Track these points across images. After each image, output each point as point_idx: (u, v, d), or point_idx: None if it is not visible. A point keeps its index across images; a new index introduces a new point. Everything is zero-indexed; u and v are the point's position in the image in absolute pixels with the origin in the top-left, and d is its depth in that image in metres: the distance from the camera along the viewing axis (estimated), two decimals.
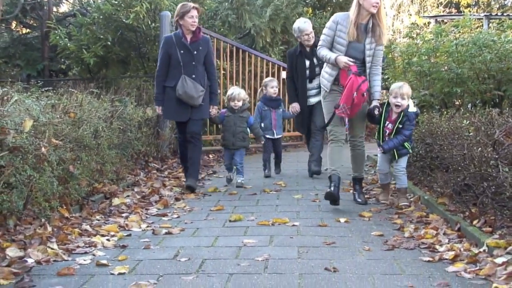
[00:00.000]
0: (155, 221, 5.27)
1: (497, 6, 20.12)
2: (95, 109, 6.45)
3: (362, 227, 4.90)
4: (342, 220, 5.13)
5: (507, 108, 6.48)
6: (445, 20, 14.92)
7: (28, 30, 16.58)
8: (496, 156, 4.33)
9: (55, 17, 14.26)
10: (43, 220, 4.53)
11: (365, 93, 5.50)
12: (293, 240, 4.47)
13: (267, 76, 10.06)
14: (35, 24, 16.03)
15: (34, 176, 4.37)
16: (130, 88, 10.95)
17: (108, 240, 4.50)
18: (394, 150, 5.68)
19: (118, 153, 6.70)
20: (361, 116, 5.78)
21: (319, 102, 6.45)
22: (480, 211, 4.49)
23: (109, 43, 10.96)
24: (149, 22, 10.65)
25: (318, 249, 4.18)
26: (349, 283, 3.41)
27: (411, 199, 5.85)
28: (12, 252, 3.86)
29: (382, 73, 8.52)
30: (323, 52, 5.71)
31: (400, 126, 5.62)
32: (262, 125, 7.57)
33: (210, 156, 9.73)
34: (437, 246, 4.18)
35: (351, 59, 5.50)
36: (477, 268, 3.61)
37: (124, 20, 10.63)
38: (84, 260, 3.93)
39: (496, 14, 15.70)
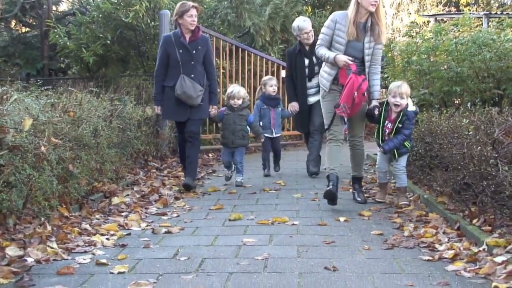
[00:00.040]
0: (155, 220, 5.26)
1: (497, 4, 20.12)
2: (94, 108, 6.44)
3: (362, 226, 4.90)
4: (342, 219, 5.13)
5: (507, 107, 6.49)
6: (445, 19, 14.92)
7: (27, 29, 16.58)
8: (496, 155, 4.33)
9: (54, 16, 14.24)
10: (42, 219, 4.53)
11: (365, 93, 5.50)
12: (293, 239, 4.47)
13: (266, 75, 10.04)
14: (34, 23, 16.03)
15: (33, 175, 4.37)
16: (130, 87, 10.94)
17: (107, 239, 4.50)
18: (394, 149, 5.68)
19: (118, 152, 6.69)
20: (360, 116, 5.77)
21: (318, 101, 6.43)
22: (479, 210, 4.49)
23: (108, 42, 10.95)
24: (149, 21, 10.65)
25: (317, 248, 4.18)
26: (349, 282, 3.42)
27: (411, 198, 5.86)
28: (12, 251, 3.86)
29: (382, 72, 8.54)
30: (321, 51, 5.68)
31: (400, 125, 5.61)
32: (261, 123, 7.55)
33: (210, 155, 9.72)
34: (436, 245, 4.18)
35: (350, 58, 5.49)
36: (477, 267, 3.61)
37: (123, 19, 10.62)
38: (84, 259, 3.93)
39: (496, 13, 15.68)
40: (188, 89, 6.53)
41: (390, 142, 5.67)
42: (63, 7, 17.14)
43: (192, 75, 6.59)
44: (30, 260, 3.79)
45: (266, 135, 7.53)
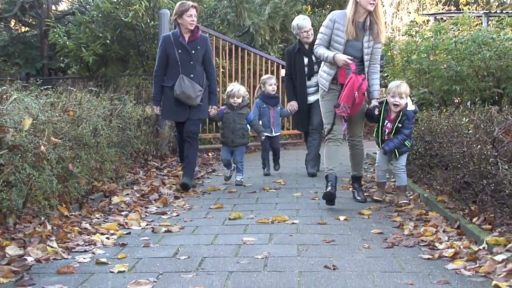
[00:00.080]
0: (155, 219, 5.26)
1: (496, 3, 20.11)
2: (94, 107, 6.44)
3: (362, 225, 4.90)
4: (342, 218, 5.13)
5: (506, 106, 6.49)
6: (444, 18, 14.91)
7: (27, 28, 16.58)
8: (496, 154, 4.34)
9: (54, 16, 14.26)
10: (42, 218, 4.53)
11: (365, 92, 5.50)
12: (293, 238, 4.47)
13: (266, 74, 10.04)
14: (34, 23, 16.03)
15: (33, 174, 4.37)
16: (129, 86, 10.95)
17: (107, 238, 4.50)
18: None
19: (118, 151, 6.69)
20: (360, 115, 5.76)
21: (317, 100, 6.42)
22: (479, 209, 4.49)
23: (108, 41, 10.94)
24: (148, 20, 10.64)
25: (317, 247, 4.18)
26: (349, 281, 3.42)
27: (411, 197, 5.86)
28: (12, 250, 3.86)
29: (381, 71, 8.54)
30: (320, 50, 5.66)
31: (400, 125, 5.61)
32: (260, 122, 7.54)
33: (210, 154, 9.72)
34: (436, 244, 4.19)
35: (350, 57, 5.48)
36: (477, 265, 3.61)
37: (123, 18, 10.61)
38: (84, 258, 3.93)
39: (495, 12, 15.68)
40: (187, 89, 6.51)
41: (390, 142, 5.66)
42: (63, 6, 17.16)
43: (192, 75, 6.58)
44: (30, 259, 3.80)
45: (266, 134, 7.52)
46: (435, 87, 7.45)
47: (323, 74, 5.76)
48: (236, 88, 7.06)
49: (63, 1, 16.78)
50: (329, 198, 5.50)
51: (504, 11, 15.70)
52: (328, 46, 5.65)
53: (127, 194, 6.13)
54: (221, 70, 10.30)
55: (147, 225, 5.04)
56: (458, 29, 8.60)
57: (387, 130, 5.68)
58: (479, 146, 4.58)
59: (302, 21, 7.44)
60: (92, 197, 5.64)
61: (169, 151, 8.88)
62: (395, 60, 8.57)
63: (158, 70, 6.74)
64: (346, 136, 5.91)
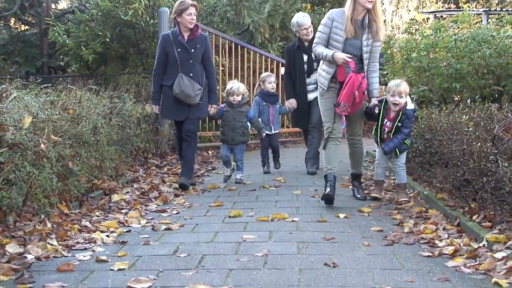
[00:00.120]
0: (155, 217, 5.27)
1: (496, 1, 20.08)
2: (94, 105, 6.44)
3: (362, 223, 4.90)
4: (342, 215, 5.13)
5: (506, 103, 6.49)
6: (444, 16, 14.91)
7: (26, 27, 16.59)
8: (496, 151, 4.34)
9: (53, 14, 14.28)
10: (42, 216, 4.53)
11: (365, 91, 5.49)
12: (293, 235, 4.47)
13: (266, 72, 10.04)
14: (33, 21, 16.04)
15: (33, 172, 4.37)
16: (129, 84, 10.96)
17: (107, 236, 4.50)
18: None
19: (117, 149, 6.69)
20: (359, 114, 5.75)
21: (317, 98, 6.41)
22: (479, 206, 4.49)
23: (107, 39, 10.94)
24: (148, 19, 10.64)
25: (317, 245, 4.18)
26: (349, 278, 3.42)
27: (411, 195, 5.86)
28: (12, 248, 3.87)
29: (381, 69, 8.53)
30: (319, 49, 5.62)
31: (400, 124, 5.60)
32: (260, 120, 7.52)
33: (209, 152, 9.72)
34: (436, 241, 4.19)
35: (349, 56, 5.46)
36: (477, 263, 3.61)
37: (122, 17, 10.62)
38: (84, 256, 3.93)
39: (495, 10, 15.67)
40: (186, 88, 6.49)
41: (390, 143, 5.65)
42: (62, 5, 17.17)
43: (191, 74, 6.55)
44: (30, 257, 3.80)
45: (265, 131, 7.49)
46: (435, 85, 7.44)
47: (322, 73, 5.73)
48: (236, 85, 7.04)
49: (62, 0, 16.77)
50: (328, 200, 5.51)
51: (504, 9, 15.68)
52: (327, 45, 5.62)
53: (127, 192, 6.13)
54: (221, 68, 10.30)
55: (147, 223, 5.04)
56: (458, 27, 8.59)
57: (386, 129, 5.67)
58: (479, 144, 4.58)
59: (301, 19, 7.43)
60: (92, 195, 5.65)
61: (169, 149, 8.88)
62: (395, 58, 8.57)
63: (157, 69, 6.72)
64: (346, 135, 5.90)
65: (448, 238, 4.22)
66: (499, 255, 3.57)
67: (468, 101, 7.59)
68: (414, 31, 8.82)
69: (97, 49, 10.85)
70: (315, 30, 7.29)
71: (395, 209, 5.39)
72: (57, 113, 5.33)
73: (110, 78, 11.53)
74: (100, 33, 10.93)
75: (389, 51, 8.65)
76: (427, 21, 15.61)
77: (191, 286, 3.27)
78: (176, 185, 6.68)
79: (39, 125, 4.75)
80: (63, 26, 11.90)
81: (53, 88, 6.97)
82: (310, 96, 7.43)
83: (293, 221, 4.96)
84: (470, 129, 5.04)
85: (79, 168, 5.34)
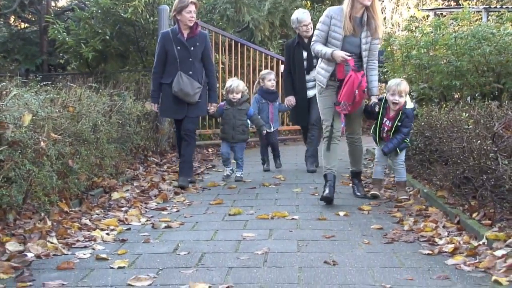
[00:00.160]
0: (155, 215, 5.26)
1: None
2: (94, 103, 6.44)
3: (362, 221, 4.91)
4: (342, 213, 5.13)
5: (506, 101, 6.47)
6: (444, 13, 14.88)
7: (26, 24, 16.59)
8: (496, 149, 4.33)
9: (53, 12, 14.26)
10: (42, 214, 4.53)
11: (365, 90, 5.47)
12: (293, 233, 4.47)
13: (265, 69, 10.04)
14: (33, 19, 16.05)
15: (33, 170, 4.37)
16: (129, 82, 10.96)
17: (107, 234, 4.50)
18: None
19: (117, 147, 6.68)
20: (358, 113, 5.73)
21: (316, 96, 6.39)
22: (479, 204, 4.49)
23: (107, 37, 10.94)
24: (148, 16, 10.64)
25: (317, 243, 4.18)
26: (349, 276, 3.42)
27: (411, 192, 5.86)
28: (12, 246, 3.87)
29: (381, 67, 8.52)
30: (318, 47, 5.58)
31: (399, 124, 5.59)
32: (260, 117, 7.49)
33: (209, 150, 9.72)
34: (436, 239, 4.18)
35: (348, 54, 5.43)
36: (477, 260, 3.62)
37: (122, 14, 10.62)
38: (84, 254, 3.93)
39: (495, 7, 15.65)
40: (185, 87, 6.47)
41: (389, 143, 5.65)
42: (62, 2, 17.16)
43: (190, 72, 6.52)
44: (30, 255, 3.80)
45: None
46: (435, 82, 7.44)
47: (321, 71, 5.70)
48: (235, 83, 7.00)
49: None
50: (327, 201, 5.50)
51: (504, 6, 15.67)
52: (325, 43, 5.59)
53: (127, 190, 6.13)
54: (221, 66, 10.30)
55: (147, 221, 5.04)
56: (458, 24, 8.59)
57: (386, 128, 5.66)
58: (479, 141, 4.58)
59: (301, 15, 7.41)
60: (92, 193, 5.65)
61: (168, 147, 8.88)
62: (395, 55, 8.56)
63: (156, 66, 6.69)
64: (345, 134, 5.88)
65: (448, 236, 4.22)
66: (499, 253, 3.58)
67: (468, 98, 7.59)
68: (414, 28, 8.80)
69: (97, 47, 10.85)
70: (314, 27, 7.30)
71: (395, 207, 5.39)
72: (57, 111, 5.33)
73: (110, 75, 11.54)
74: (100, 31, 10.93)
75: (389, 49, 8.65)
76: (427, 19, 15.58)
77: (191, 284, 3.27)
78: (176, 183, 6.67)
79: (39, 123, 4.75)
80: (63, 23, 11.89)
81: (53, 86, 6.96)
82: (310, 93, 7.41)
83: (293, 219, 4.96)
84: (470, 126, 5.04)
85: (79, 166, 5.34)
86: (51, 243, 4.05)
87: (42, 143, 4.47)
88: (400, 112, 5.56)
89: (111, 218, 5.01)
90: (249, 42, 11.19)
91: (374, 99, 5.67)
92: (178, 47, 6.52)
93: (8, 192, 4.15)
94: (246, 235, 4.39)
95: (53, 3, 15.90)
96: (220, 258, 3.81)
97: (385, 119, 5.65)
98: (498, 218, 4.22)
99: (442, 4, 19.04)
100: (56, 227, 4.42)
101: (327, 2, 14.61)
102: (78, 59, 12.02)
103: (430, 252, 3.91)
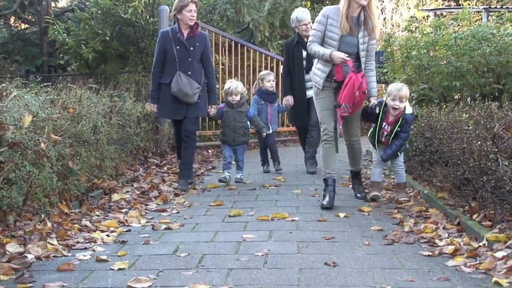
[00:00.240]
0: (155, 217, 5.26)
1: None
2: (94, 104, 6.43)
3: (362, 222, 4.90)
4: (342, 215, 5.13)
5: (507, 102, 6.47)
6: (444, 13, 14.88)
7: (26, 25, 16.59)
8: (496, 150, 4.33)
9: (53, 13, 14.28)
10: (42, 216, 4.53)
11: (366, 91, 5.45)
12: (293, 235, 4.47)
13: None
14: (33, 20, 16.05)
15: (33, 172, 4.36)
16: (129, 83, 10.97)
17: (107, 235, 4.50)
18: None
19: (117, 148, 6.68)
20: (356, 116, 5.68)
21: None
22: (479, 205, 4.49)
23: (107, 38, 10.94)
24: (148, 17, 10.65)
25: (317, 244, 4.18)
26: (349, 278, 3.42)
27: (411, 194, 5.86)
28: (12, 247, 3.86)
29: (381, 67, 8.50)
30: (315, 48, 5.50)
31: (399, 129, 5.58)
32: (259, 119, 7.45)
33: (209, 151, 9.71)
34: (436, 241, 4.19)
35: (346, 55, 5.37)
36: (477, 262, 3.61)
37: (122, 15, 10.62)
38: (84, 255, 3.93)
39: (495, 7, 15.65)
40: (184, 87, 6.44)
41: (388, 150, 5.64)
42: (62, 3, 17.17)
43: (189, 72, 6.49)
44: (30, 256, 3.80)
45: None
46: (435, 83, 7.43)
47: (317, 72, 5.62)
48: (234, 85, 6.94)
49: None
50: (327, 209, 5.45)
51: (504, 6, 15.67)
52: (322, 43, 5.52)
53: (127, 192, 6.14)
54: (221, 66, 10.29)
55: (147, 222, 5.04)
56: (458, 25, 8.58)
57: (385, 133, 5.64)
58: (479, 142, 4.58)
59: (301, 14, 7.40)
60: (92, 195, 5.65)
61: (168, 148, 8.87)
62: (394, 56, 8.55)
63: (155, 66, 6.66)
64: (343, 136, 5.84)
65: (448, 237, 4.22)
66: (499, 254, 3.57)
67: (468, 99, 7.58)
68: (414, 29, 8.79)
69: (97, 48, 10.85)
70: None
71: (395, 208, 5.39)
72: (57, 112, 5.32)
73: (110, 76, 11.54)
74: (100, 32, 10.93)
75: (389, 49, 8.64)
76: (427, 19, 15.58)
77: (191, 286, 3.27)
78: (176, 184, 6.66)
79: (39, 124, 4.75)
80: (63, 24, 11.90)
81: (53, 87, 6.95)
82: (309, 93, 7.35)
83: (293, 220, 4.96)
84: (470, 127, 5.04)
85: (79, 167, 5.34)
86: (51, 244, 4.05)
87: (42, 145, 4.47)
88: (401, 118, 5.55)
89: (111, 219, 5.01)
90: (249, 43, 11.19)
91: (373, 101, 5.65)
92: (178, 47, 6.50)
93: (8, 194, 4.15)
94: (246, 236, 4.39)
95: (53, 4, 15.90)
96: (220, 260, 3.81)
97: (384, 123, 5.63)
98: (498, 220, 4.22)
99: (442, 5, 19.03)
100: (56, 229, 4.42)
101: (327, 2, 14.62)
102: (78, 60, 12.02)
103: (431, 253, 3.91)
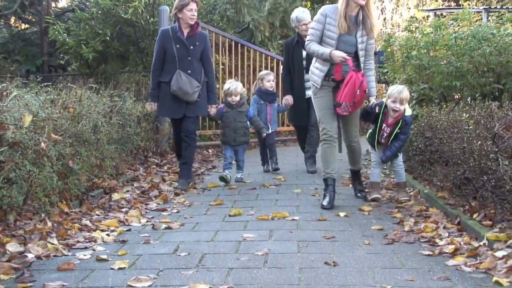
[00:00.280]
0: (155, 216, 5.26)
1: None
2: (94, 104, 6.43)
3: (362, 221, 4.90)
4: (342, 214, 5.13)
5: (507, 102, 6.47)
6: (444, 14, 14.88)
7: (27, 25, 16.61)
8: (496, 150, 4.33)
9: (53, 13, 14.29)
10: (43, 215, 4.53)
11: (366, 90, 5.44)
12: (293, 234, 4.47)
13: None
14: (34, 20, 16.07)
15: (33, 171, 4.36)
16: (129, 83, 10.98)
17: (108, 235, 4.50)
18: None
19: (118, 148, 6.68)
20: (355, 117, 5.67)
21: None
22: (480, 205, 4.49)
23: (108, 38, 10.95)
24: (148, 17, 10.65)
25: (318, 243, 4.18)
26: (349, 277, 3.42)
27: (411, 193, 5.86)
28: (12, 247, 3.87)
29: (382, 67, 8.50)
30: (313, 47, 5.48)
31: (399, 131, 5.58)
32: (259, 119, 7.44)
33: (210, 151, 9.71)
34: (437, 240, 4.18)
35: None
36: (477, 261, 3.61)
37: (122, 15, 10.63)
38: (84, 255, 3.93)
39: (495, 7, 15.65)
40: (184, 85, 6.43)
41: (387, 151, 5.64)
42: (62, 3, 17.19)
43: (189, 71, 6.49)
44: (30, 256, 3.80)
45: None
46: (435, 83, 7.43)
47: (315, 71, 5.60)
48: (233, 86, 6.91)
49: None
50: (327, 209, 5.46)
51: (504, 7, 15.67)
52: (320, 42, 5.49)
53: (127, 191, 6.14)
54: (221, 66, 10.29)
55: (147, 221, 5.04)
56: (458, 25, 8.58)
57: (385, 134, 5.64)
58: (479, 142, 4.58)
59: (301, 14, 7.39)
60: (92, 194, 5.65)
61: (169, 148, 8.87)
62: (395, 56, 8.55)
63: (155, 64, 6.65)
64: (343, 137, 5.82)
65: (448, 237, 4.22)
66: (499, 253, 3.57)
67: (468, 99, 7.58)
68: (414, 29, 8.78)
69: (97, 48, 10.86)
70: None
71: (396, 208, 5.39)
72: (58, 111, 5.32)
73: (110, 76, 11.55)
74: (100, 32, 10.94)
75: (389, 49, 8.64)
76: (427, 19, 15.58)
77: (191, 285, 3.27)
78: (176, 184, 6.66)
79: (40, 123, 4.75)
80: (63, 24, 11.92)
81: (54, 86, 6.95)
82: (308, 93, 7.29)
83: (293, 219, 4.96)
84: (471, 127, 5.03)
85: (79, 167, 5.34)
86: (52, 244, 4.05)
87: (42, 144, 4.47)
88: (401, 120, 5.54)
89: (111, 219, 5.01)
90: (249, 43, 11.19)
91: (373, 100, 5.64)
92: (177, 45, 6.49)
93: (9, 193, 4.15)
94: (246, 236, 4.39)
95: (53, 4, 15.92)
96: (221, 259, 3.81)
97: (383, 124, 5.63)
98: (498, 219, 4.22)
99: (442, 5, 19.03)
100: (57, 228, 4.42)
101: (327, 2, 14.61)
102: (78, 60, 12.04)
103: (431, 253, 3.91)
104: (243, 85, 7.43)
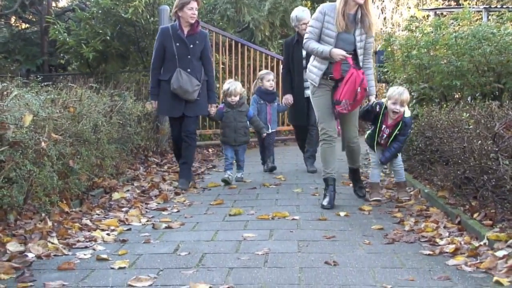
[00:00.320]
0: (155, 216, 5.26)
1: None
2: (94, 103, 6.43)
3: (362, 221, 4.90)
4: (342, 214, 5.13)
5: (507, 101, 6.46)
6: (444, 13, 14.87)
7: (27, 25, 16.61)
8: (496, 149, 4.33)
9: (54, 12, 14.29)
10: (43, 214, 4.53)
11: (366, 88, 5.43)
12: (293, 234, 4.47)
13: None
14: (34, 19, 16.08)
15: (34, 171, 4.37)
16: (129, 82, 10.98)
17: (108, 234, 4.50)
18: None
19: (118, 147, 6.68)
20: (354, 117, 5.65)
21: None
22: (480, 204, 4.49)
23: (108, 37, 10.95)
24: (148, 16, 10.65)
25: (318, 243, 4.18)
26: (349, 277, 3.42)
27: (411, 193, 5.85)
28: (13, 246, 3.87)
29: (382, 66, 8.49)
30: (312, 45, 5.46)
31: (398, 132, 5.58)
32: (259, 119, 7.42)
33: (210, 150, 9.71)
34: (437, 240, 4.18)
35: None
36: (478, 261, 3.61)
37: (123, 15, 10.62)
38: (85, 254, 3.93)
39: (496, 7, 15.64)
40: (185, 84, 6.41)
41: (386, 153, 5.63)
42: (63, 3, 17.20)
43: (189, 70, 6.47)
44: (31, 255, 3.80)
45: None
46: (436, 82, 7.43)
47: (313, 69, 5.57)
48: (233, 86, 6.90)
49: None
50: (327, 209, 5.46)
51: (504, 6, 15.66)
52: (319, 40, 5.47)
53: (128, 190, 6.13)
54: (221, 66, 10.29)
55: (147, 221, 5.04)
56: (458, 24, 8.57)
57: (384, 135, 5.63)
58: (479, 142, 4.57)
59: (301, 13, 7.38)
60: (92, 193, 5.65)
61: (169, 147, 8.84)
62: (395, 55, 8.55)
63: (155, 62, 6.62)
64: (342, 136, 5.81)
65: (449, 237, 4.22)
66: (500, 253, 3.57)
67: (469, 98, 7.57)
68: (414, 28, 8.77)
69: (98, 47, 10.86)
70: None
71: (396, 207, 5.39)
72: (58, 111, 5.32)
73: (110, 76, 11.55)
74: (100, 31, 10.94)
75: (389, 49, 8.63)
76: (428, 19, 15.57)
77: (192, 285, 3.27)
78: (177, 183, 6.65)
79: (40, 123, 4.75)
80: (64, 24, 11.92)
81: (54, 86, 6.95)
82: (308, 92, 7.32)
83: (293, 219, 4.96)
84: (471, 127, 5.03)
85: (79, 166, 5.34)
86: (52, 243, 4.05)
87: (43, 144, 4.47)
88: (400, 122, 5.54)
89: (111, 218, 5.01)
90: (250, 42, 11.19)
91: (372, 99, 5.64)
92: (177, 44, 6.48)
93: (9, 193, 4.15)
94: (246, 235, 4.39)
95: (53, 4, 15.92)
96: (221, 259, 3.81)
97: (383, 125, 5.62)
98: (499, 219, 4.22)
99: (442, 4, 19.02)
100: (57, 228, 4.42)
101: (327, 1, 14.60)
102: (78, 60, 12.03)
103: (431, 252, 3.91)
104: (243, 85, 7.43)
